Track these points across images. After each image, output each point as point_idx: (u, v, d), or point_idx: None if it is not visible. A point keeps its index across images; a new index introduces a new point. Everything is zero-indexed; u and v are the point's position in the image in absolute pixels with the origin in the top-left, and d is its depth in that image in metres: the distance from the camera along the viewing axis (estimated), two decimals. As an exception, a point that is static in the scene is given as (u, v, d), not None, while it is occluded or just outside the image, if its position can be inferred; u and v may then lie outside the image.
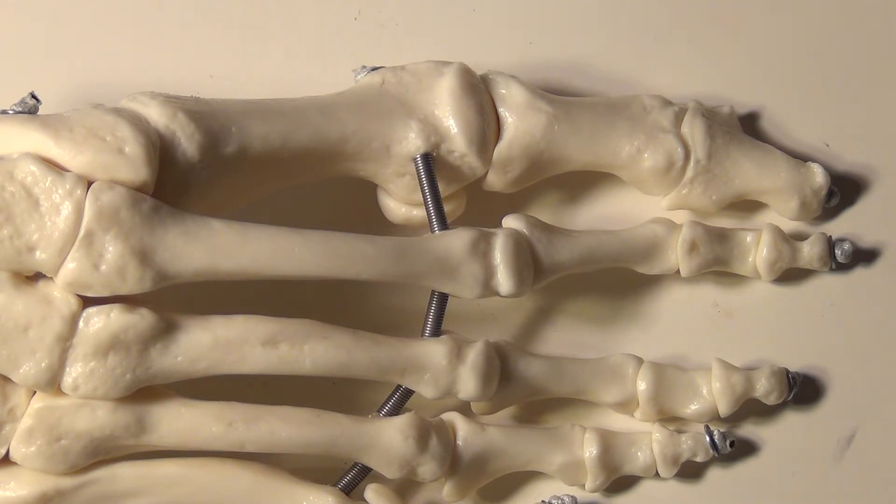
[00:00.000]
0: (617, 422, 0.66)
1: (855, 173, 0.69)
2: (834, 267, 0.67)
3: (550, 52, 0.69)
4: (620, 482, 0.65)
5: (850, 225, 0.68)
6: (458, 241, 0.61)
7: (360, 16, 0.69)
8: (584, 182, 0.68)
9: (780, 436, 0.67)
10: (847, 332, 0.68)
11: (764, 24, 0.70)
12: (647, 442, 0.64)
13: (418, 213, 0.64)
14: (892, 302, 0.68)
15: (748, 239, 0.66)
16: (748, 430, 0.66)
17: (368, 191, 0.65)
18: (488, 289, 0.62)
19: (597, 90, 0.69)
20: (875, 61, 0.70)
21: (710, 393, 0.65)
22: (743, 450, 0.66)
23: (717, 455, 0.65)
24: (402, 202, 0.65)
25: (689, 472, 0.66)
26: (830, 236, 0.67)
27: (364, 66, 0.65)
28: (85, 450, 0.59)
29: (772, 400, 0.65)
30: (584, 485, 0.64)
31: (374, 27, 0.69)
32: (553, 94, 0.65)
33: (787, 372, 0.65)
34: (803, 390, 0.66)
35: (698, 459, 0.65)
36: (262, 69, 0.68)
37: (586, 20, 0.70)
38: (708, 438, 0.64)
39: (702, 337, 0.67)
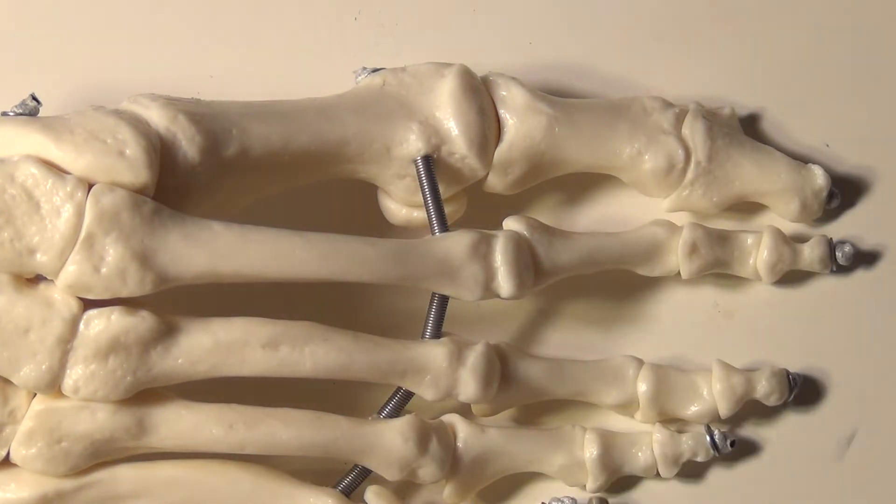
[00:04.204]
0: (617, 423, 0.66)
1: (856, 175, 0.69)
2: (835, 269, 0.67)
3: (550, 53, 0.69)
4: (621, 482, 0.65)
5: (851, 227, 0.68)
6: (458, 243, 0.61)
7: (360, 16, 0.69)
8: (584, 184, 0.68)
9: (780, 436, 0.67)
10: (847, 334, 0.68)
11: (764, 25, 0.70)
12: (648, 442, 0.64)
13: (419, 215, 0.64)
14: (892, 304, 0.68)
15: (749, 241, 0.66)
16: (749, 431, 0.66)
17: (369, 193, 0.65)
18: (489, 291, 0.62)
19: (597, 91, 0.69)
20: (875, 61, 0.70)
21: (711, 394, 0.65)
22: (743, 450, 0.66)
23: (717, 455, 0.65)
24: (402, 204, 0.65)
25: (690, 472, 0.66)
26: (831, 238, 0.67)
27: (364, 68, 0.65)
28: (85, 452, 0.59)
29: (772, 401, 0.65)
30: (584, 485, 0.64)
31: (374, 27, 0.69)
32: (553, 96, 0.65)
33: (788, 373, 0.65)
34: (803, 391, 0.66)
35: (699, 459, 0.65)
36: (262, 69, 0.68)
37: (587, 21, 0.70)
38: (708, 438, 0.64)
39: (702, 338, 0.67)
